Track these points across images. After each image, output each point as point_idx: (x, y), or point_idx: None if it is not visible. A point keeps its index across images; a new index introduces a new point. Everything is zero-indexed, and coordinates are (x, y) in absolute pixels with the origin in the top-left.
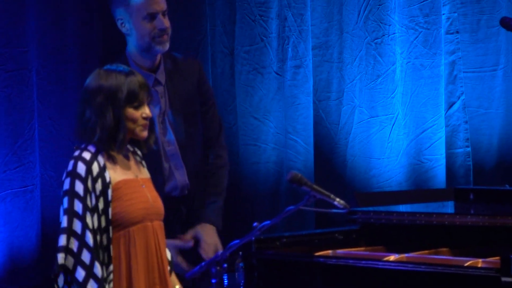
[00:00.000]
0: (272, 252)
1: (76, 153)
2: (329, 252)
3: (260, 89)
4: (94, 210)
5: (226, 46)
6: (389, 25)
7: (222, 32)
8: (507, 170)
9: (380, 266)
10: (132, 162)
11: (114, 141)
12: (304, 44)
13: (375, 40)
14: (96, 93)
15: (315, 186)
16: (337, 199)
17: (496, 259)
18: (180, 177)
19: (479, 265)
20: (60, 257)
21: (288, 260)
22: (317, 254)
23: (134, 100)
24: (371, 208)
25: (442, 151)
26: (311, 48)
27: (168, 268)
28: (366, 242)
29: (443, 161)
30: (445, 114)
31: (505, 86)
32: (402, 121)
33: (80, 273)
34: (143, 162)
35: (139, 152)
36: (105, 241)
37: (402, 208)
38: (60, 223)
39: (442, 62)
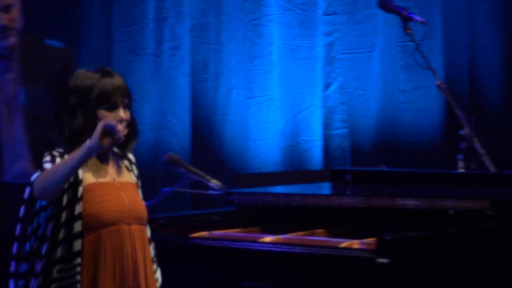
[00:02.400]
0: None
1: (46, 154)
2: (205, 233)
3: (138, 70)
4: (47, 207)
5: (103, 27)
6: (267, 7)
7: (100, 13)
8: (384, 151)
9: (255, 247)
10: (111, 165)
11: (83, 142)
12: (182, 25)
13: (253, 22)
14: (71, 93)
15: (191, 168)
16: (213, 181)
17: (372, 240)
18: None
19: (355, 247)
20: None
21: (164, 241)
22: (193, 235)
23: (106, 102)
24: (247, 190)
25: (319, 132)
26: (188, 30)
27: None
28: (243, 224)
29: (319, 142)
30: (322, 95)
31: (382, 67)
32: (279, 102)
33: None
34: (134, 167)
35: (130, 156)
36: (64, 236)
37: (278, 189)
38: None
39: (319, 43)
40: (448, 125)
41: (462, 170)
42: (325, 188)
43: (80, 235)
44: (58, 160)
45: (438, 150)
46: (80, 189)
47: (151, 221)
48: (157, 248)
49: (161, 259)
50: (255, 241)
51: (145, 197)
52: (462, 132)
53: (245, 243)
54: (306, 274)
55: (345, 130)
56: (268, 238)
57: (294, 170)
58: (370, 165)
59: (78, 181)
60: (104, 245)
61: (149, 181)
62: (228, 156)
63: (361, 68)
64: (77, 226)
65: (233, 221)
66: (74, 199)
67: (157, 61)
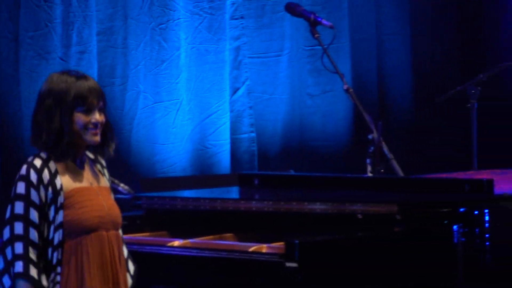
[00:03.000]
0: None
1: (30, 158)
2: None
3: (45, 75)
4: (45, 219)
5: (10, 31)
6: (174, 11)
7: (7, 17)
8: (291, 155)
9: (164, 252)
10: (87, 170)
11: (59, 146)
12: (89, 29)
13: (160, 26)
14: (46, 97)
15: None
16: (121, 185)
17: (280, 244)
18: None
19: (264, 251)
20: (19, 266)
21: None
22: None
23: (82, 104)
24: (155, 194)
25: (227, 136)
26: (95, 34)
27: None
28: (151, 228)
29: (227, 147)
30: (230, 99)
31: (290, 71)
32: (187, 106)
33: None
34: (105, 171)
35: (102, 161)
36: (46, 244)
37: (187, 193)
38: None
39: (227, 47)
40: (356, 129)
41: (370, 174)
42: (233, 192)
43: (61, 244)
44: (45, 173)
45: (346, 154)
46: (61, 197)
47: None
48: None
49: None
50: (163, 245)
51: None
52: (370, 136)
53: (153, 247)
54: (215, 278)
55: (253, 134)
56: (176, 242)
57: (202, 175)
58: (278, 169)
59: (57, 191)
60: (87, 251)
61: None
62: (136, 160)
63: (268, 72)
64: (59, 235)
65: (141, 225)
66: (56, 208)
67: (65, 65)
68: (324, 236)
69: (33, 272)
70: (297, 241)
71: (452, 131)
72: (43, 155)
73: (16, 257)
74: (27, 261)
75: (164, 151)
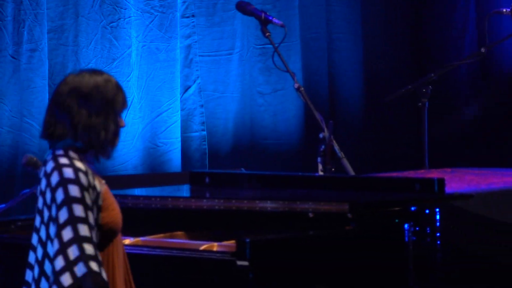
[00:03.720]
0: (8, 236)
1: (65, 160)
2: None
3: None
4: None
5: None
6: (125, 9)
7: None
8: (242, 153)
9: None
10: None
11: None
12: (40, 27)
13: (111, 24)
14: (93, 98)
15: None
16: None
17: (231, 242)
18: None
19: (215, 249)
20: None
21: (24, 243)
22: None
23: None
24: None
25: (178, 134)
26: (46, 32)
27: None
28: None
29: (178, 145)
30: (181, 97)
31: (241, 70)
32: (138, 104)
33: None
34: None
35: None
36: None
37: (138, 192)
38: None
39: (178, 45)
40: (307, 128)
41: (321, 173)
42: (184, 190)
43: (98, 246)
44: (90, 175)
45: (297, 153)
46: (100, 199)
47: (9, 223)
48: (14, 251)
49: (18, 261)
50: None
51: (4, 199)
52: (321, 135)
53: None
54: (165, 277)
55: (204, 132)
56: (127, 241)
57: (153, 173)
58: (228, 168)
59: (98, 193)
60: (117, 252)
61: (7, 183)
62: None
63: (219, 70)
64: (97, 237)
65: None
66: (97, 210)
67: (16, 63)
68: (275, 234)
69: (104, 275)
70: (248, 239)
71: (403, 130)
72: (73, 154)
73: (88, 257)
74: (99, 263)
75: (115, 149)
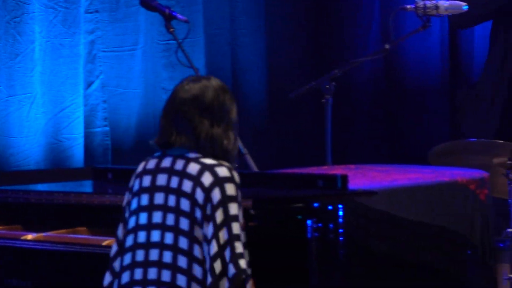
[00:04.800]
0: None
1: (222, 162)
2: None
3: None
4: None
5: None
6: (29, 4)
7: None
8: (145, 149)
9: (17, 245)
10: None
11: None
12: None
13: (14, 19)
14: (216, 107)
15: None
16: None
17: None
18: None
19: None
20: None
21: None
22: None
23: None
24: (9, 187)
25: (81, 130)
26: None
27: None
28: (4, 221)
29: (81, 140)
30: (84, 93)
31: (144, 65)
32: (41, 100)
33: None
34: None
35: None
36: None
37: (41, 187)
38: (229, 230)
39: (81, 41)
40: None
41: None
42: (87, 186)
43: None
44: None
45: None
46: None
47: None
48: None
49: None
50: (17, 239)
51: None
52: None
53: (7, 241)
54: (68, 272)
55: (107, 128)
56: (30, 236)
57: (56, 168)
58: (131, 163)
59: None
60: None
61: None
62: None
63: (122, 66)
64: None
65: None
66: None
67: None
68: None
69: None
70: None
71: (307, 126)
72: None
73: (238, 256)
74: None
75: (17, 145)
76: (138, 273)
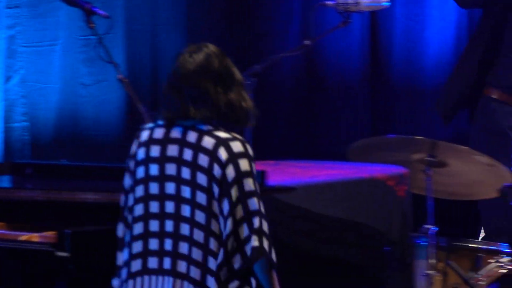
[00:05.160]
0: None
1: (236, 136)
2: None
3: None
4: None
5: None
6: None
7: None
8: (65, 144)
9: None
10: None
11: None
12: None
13: None
14: (232, 73)
15: None
16: None
17: (52, 233)
18: None
19: (35, 240)
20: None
21: None
22: None
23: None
24: None
25: (0, 125)
26: None
27: None
28: None
29: (0, 136)
30: (3, 88)
31: (63, 61)
32: None
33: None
34: None
35: None
36: None
37: None
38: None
39: (1, 36)
40: (129, 119)
41: None
42: (5, 181)
43: None
44: None
45: (119, 144)
46: None
47: None
48: None
49: None
50: None
51: None
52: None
53: None
54: None
55: (26, 123)
56: None
57: None
58: (50, 159)
59: None
60: None
61: None
62: None
63: (42, 61)
64: None
65: None
66: None
67: None
68: (96, 226)
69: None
70: (68, 231)
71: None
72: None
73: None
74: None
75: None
76: (154, 244)
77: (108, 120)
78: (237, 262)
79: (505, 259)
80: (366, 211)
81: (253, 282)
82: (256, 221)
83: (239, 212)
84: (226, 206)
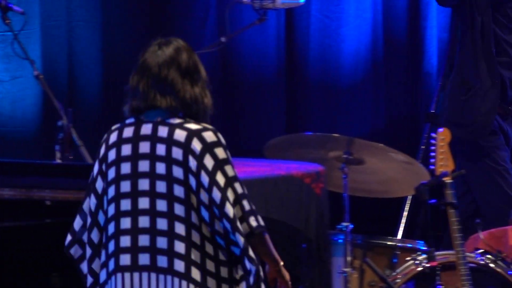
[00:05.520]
0: None
1: (207, 126)
2: None
3: None
4: None
5: None
6: None
7: None
8: None
9: None
10: None
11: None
12: None
13: None
14: (199, 69)
15: None
16: None
17: None
18: None
19: None
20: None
21: None
22: None
23: None
24: None
25: None
26: None
27: None
28: None
29: None
30: None
31: None
32: None
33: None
34: None
35: None
36: None
37: None
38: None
39: None
40: (45, 116)
41: (59, 161)
42: None
43: None
44: None
45: (35, 140)
46: None
47: None
48: None
49: None
50: None
51: None
52: (59, 123)
53: None
54: None
55: None
56: None
57: None
58: None
59: None
60: None
61: None
62: None
63: None
64: None
65: None
66: None
67: None
68: (11, 222)
69: None
70: None
71: None
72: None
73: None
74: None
75: None
76: (125, 241)
77: (23, 116)
78: (240, 241)
79: (422, 257)
80: (282, 208)
81: (248, 265)
82: (245, 204)
83: (231, 195)
84: (216, 194)
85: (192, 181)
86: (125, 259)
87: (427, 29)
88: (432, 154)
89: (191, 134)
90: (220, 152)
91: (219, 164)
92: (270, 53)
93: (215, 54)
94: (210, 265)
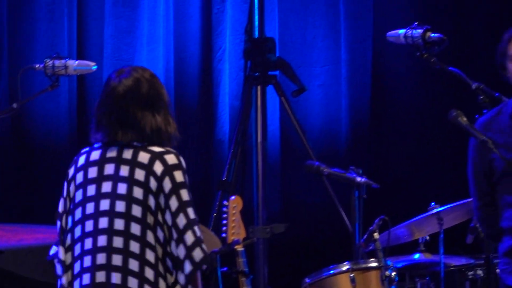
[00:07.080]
0: None
1: (170, 150)
2: None
3: None
4: None
5: None
6: None
7: None
8: None
9: None
10: None
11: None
12: None
13: None
14: (161, 97)
15: None
16: None
17: None
18: None
19: None
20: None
21: None
22: None
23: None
24: None
25: None
26: None
27: None
28: None
29: None
30: None
31: None
32: None
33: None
34: None
35: None
36: None
37: None
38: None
39: None
40: None
41: None
42: None
43: None
44: None
45: None
46: None
47: None
48: None
49: None
50: None
51: None
52: None
53: None
54: None
55: None
56: None
57: None
58: None
59: None
60: None
61: None
62: None
63: None
64: None
65: None
66: None
67: None
68: None
69: None
70: None
71: None
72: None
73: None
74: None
75: None
76: (87, 261)
77: None
78: (187, 268)
79: None
80: None
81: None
82: (197, 230)
83: (181, 221)
84: (168, 216)
85: (151, 201)
86: (87, 279)
87: (219, 96)
88: (224, 222)
89: (154, 156)
90: (178, 176)
91: (176, 188)
92: (63, 119)
93: (6, 120)
94: (162, 285)
